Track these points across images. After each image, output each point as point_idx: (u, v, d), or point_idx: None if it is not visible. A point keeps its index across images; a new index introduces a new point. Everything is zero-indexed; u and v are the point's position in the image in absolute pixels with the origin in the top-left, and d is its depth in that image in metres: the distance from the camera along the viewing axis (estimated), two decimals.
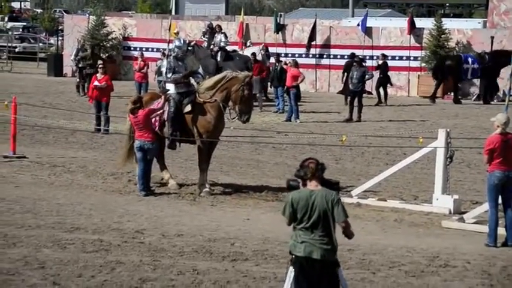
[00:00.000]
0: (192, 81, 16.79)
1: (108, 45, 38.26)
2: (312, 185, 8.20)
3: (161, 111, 16.25)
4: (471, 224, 14.12)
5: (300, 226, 8.19)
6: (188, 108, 16.34)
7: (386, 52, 33.86)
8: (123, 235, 12.72)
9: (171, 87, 16.57)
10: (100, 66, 24.39)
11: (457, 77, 32.39)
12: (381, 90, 31.79)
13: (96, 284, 10.34)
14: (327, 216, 8.12)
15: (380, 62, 32.31)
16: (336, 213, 8.11)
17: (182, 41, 17.51)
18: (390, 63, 33.50)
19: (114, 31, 38.57)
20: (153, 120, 16.20)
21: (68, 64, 37.70)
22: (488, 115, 20.57)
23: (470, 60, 32.47)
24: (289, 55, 34.81)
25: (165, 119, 16.35)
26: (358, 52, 33.34)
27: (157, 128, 16.25)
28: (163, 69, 16.92)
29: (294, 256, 8.23)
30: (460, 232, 13.83)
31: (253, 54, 31.18)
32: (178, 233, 12.99)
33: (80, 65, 32.34)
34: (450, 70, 32.16)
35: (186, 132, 16.39)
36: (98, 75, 23.69)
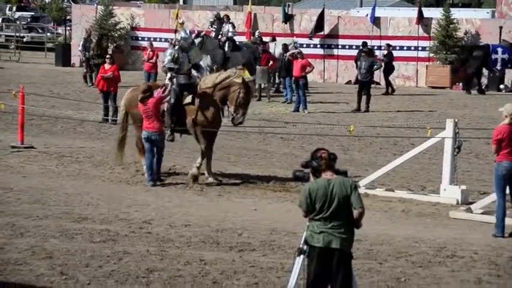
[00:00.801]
0: (194, 73, 16.83)
1: (116, 35, 38.24)
2: (328, 174, 8.23)
3: (168, 97, 16.27)
4: (479, 214, 14.10)
5: (318, 216, 8.19)
6: (188, 99, 16.37)
7: (395, 42, 33.77)
8: (130, 225, 12.74)
9: (178, 78, 16.64)
10: (108, 56, 24.57)
11: (485, 67, 32.18)
12: (389, 79, 31.80)
13: (104, 274, 10.36)
14: (346, 204, 8.15)
15: (385, 52, 32.25)
16: (354, 199, 8.15)
17: (188, 32, 17.57)
18: (398, 53, 33.40)
19: (122, 21, 38.54)
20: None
21: (76, 54, 37.68)
22: (496, 105, 20.52)
23: (500, 50, 32.17)
24: (297, 45, 34.61)
25: (165, 109, 16.40)
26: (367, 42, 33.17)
27: None
28: (166, 59, 16.94)
29: (310, 247, 8.22)
30: (467, 222, 13.81)
31: (263, 44, 31.09)
32: (186, 223, 13.01)
33: (86, 55, 32.35)
34: (478, 60, 31.96)
35: (185, 123, 16.43)
36: (105, 65, 23.76)
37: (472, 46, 32.75)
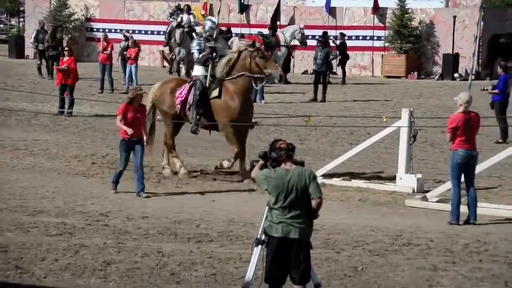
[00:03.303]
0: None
1: (70, 26, 37.93)
2: (287, 165, 8.28)
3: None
4: (434, 202, 14.24)
5: (277, 205, 8.21)
6: (215, 93, 15.81)
7: (350, 32, 33.90)
8: (87, 218, 12.66)
9: (198, 70, 16.17)
10: (66, 48, 24.42)
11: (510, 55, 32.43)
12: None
13: (60, 267, 10.28)
14: (305, 194, 8.17)
15: (339, 41, 32.38)
16: (312, 190, 8.17)
17: (215, 22, 16.87)
18: (354, 43, 33.55)
19: (76, 12, 38.23)
20: (177, 102, 15.86)
21: (30, 46, 37.31)
22: (451, 94, 20.71)
23: None
24: (303, 31, 34.18)
25: (190, 103, 15.90)
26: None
27: (179, 110, 15.93)
28: (194, 51, 16.32)
29: (269, 237, 8.24)
30: (423, 211, 13.93)
31: (227, 31, 31.15)
32: (143, 215, 12.95)
33: (39, 47, 31.99)
34: (504, 48, 32.16)
35: (210, 117, 15.84)
36: (64, 58, 23.67)
37: (497, 35, 32.76)
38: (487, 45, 32.82)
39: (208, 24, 16.72)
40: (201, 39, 16.58)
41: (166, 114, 16.20)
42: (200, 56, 16.18)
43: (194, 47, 16.49)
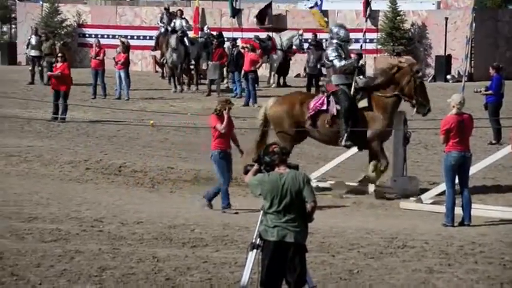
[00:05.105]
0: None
1: (62, 32, 37.91)
2: (281, 169, 8.27)
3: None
4: (428, 204, 14.26)
5: (271, 210, 8.21)
6: (364, 103, 15.05)
7: None
8: (81, 224, 12.65)
9: (339, 78, 15.20)
10: (60, 54, 24.33)
11: None
12: None
13: (55, 274, 10.26)
14: (299, 197, 8.17)
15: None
16: (306, 193, 8.17)
17: (345, 28, 15.68)
18: None
19: (68, 18, 38.22)
20: (311, 110, 15.15)
21: (22, 52, 37.26)
22: (444, 96, 20.74)
23: None
24: (301, 37, 34.17)
25: (333, 113, 15.08)
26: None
27: (308, 123, 15.25)
28: (333, 58, 15.16)
29: (264, 241, 8.24)
30: (417, 213, 13.95)
31: (218, 36, 31.26)
32: (138, 220, 12.94)
33: (31, 54, 31.93)
34: None
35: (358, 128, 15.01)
36: (58, 64, 23.64)
37: None
38: None
39: (342, 30, 15.52)
40: (336, 44, 15.39)
41: (289, 130, 15.33)
42: (344, 63, 15.12)
43: (331, 54, 15.29)
